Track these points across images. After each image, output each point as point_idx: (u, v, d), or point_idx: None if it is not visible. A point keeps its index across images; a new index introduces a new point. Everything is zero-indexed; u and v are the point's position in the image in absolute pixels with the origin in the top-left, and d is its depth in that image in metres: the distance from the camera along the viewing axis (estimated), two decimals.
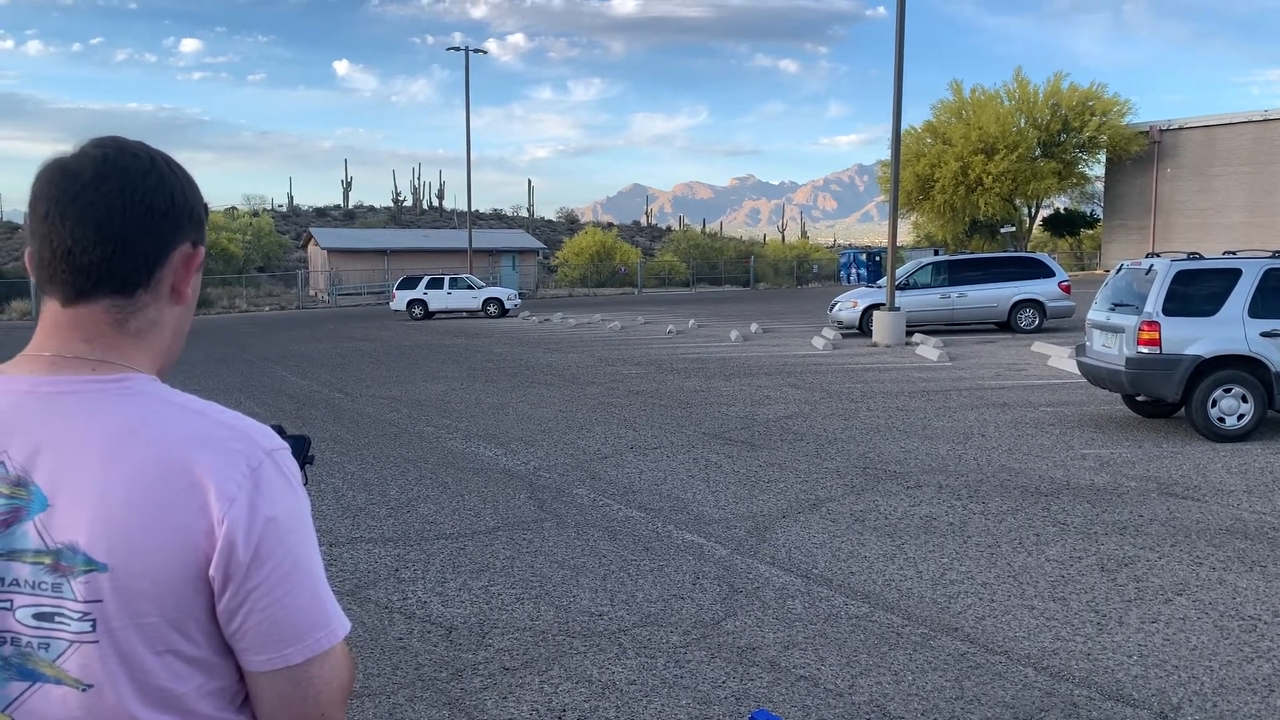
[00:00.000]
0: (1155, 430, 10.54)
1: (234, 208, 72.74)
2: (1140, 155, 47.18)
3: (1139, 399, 10.94)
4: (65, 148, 1.20)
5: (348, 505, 8.05)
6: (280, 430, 1.63)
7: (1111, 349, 10.48)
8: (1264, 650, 4.81)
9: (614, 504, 7.88)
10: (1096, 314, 10.98)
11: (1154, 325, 9.78)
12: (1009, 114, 49.42)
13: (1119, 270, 11.08)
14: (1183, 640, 4.96)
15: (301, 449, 1.59)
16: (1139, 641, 4.95)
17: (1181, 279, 9.89)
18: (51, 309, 1.20)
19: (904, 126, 23.74)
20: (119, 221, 1.16)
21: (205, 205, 1.29)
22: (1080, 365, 11.38)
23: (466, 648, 5.04)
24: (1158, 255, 10.51)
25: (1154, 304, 9.83)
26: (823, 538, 6.82)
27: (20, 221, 79.97)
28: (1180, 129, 46.37)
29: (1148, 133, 47.29)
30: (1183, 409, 10.27)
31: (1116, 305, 10.61)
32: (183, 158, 1.28)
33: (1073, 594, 5.64)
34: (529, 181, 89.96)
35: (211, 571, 1.13)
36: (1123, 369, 10.10)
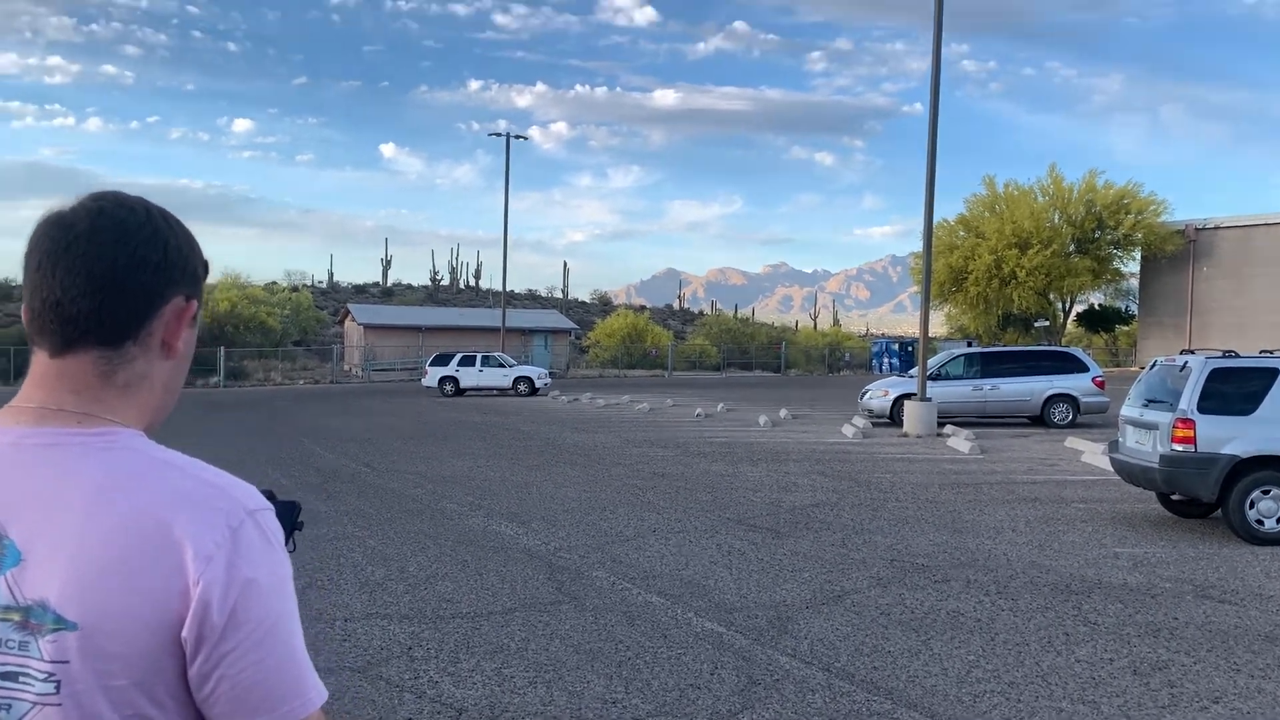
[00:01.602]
0: (1191, 530, 10.29)
1: (274, 282, 73.98)
2: (1176, 254, 47.06)
3: (1174, 498, 10.71)
4: (66, 201, 1.21)
5: (366, 580, 7.99)
6: (270, 496, 1.61)
7: (1145, 446, 10.30)
8: None
9: (633, 588, 7.76)
10: (1130, 410, 10.82)
11: (1189, 423, 9.62)
12: (1043, 209, 49.57)
13: (1153, 366, 10.95)
14: None
15: (290, 515, 1.57)
16: None
17: (1217, 376, 9.75)
18: (40, 360, 1.19)
19: (937, 219, 23.91)
20: (109, 272, 1.16)
21: (205, 263, 1.29)
22: (1113, 461, 11.19)
23: None
24: (1192, 352, 10.39)
25: (1189, 401, 9.68)
26: (846, 630, 6.66)
27: None
28: (1216, 228, 46.28)
29: (1183, 231, 47.22)
30: (1219, 509, 10.04)
31: (1150, 401, 10.46)
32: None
33: (1103, 697, 5.45)
34: (564, 263, 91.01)
35: (184, 633, 1.10)
36: (1157, 466, 9.91)
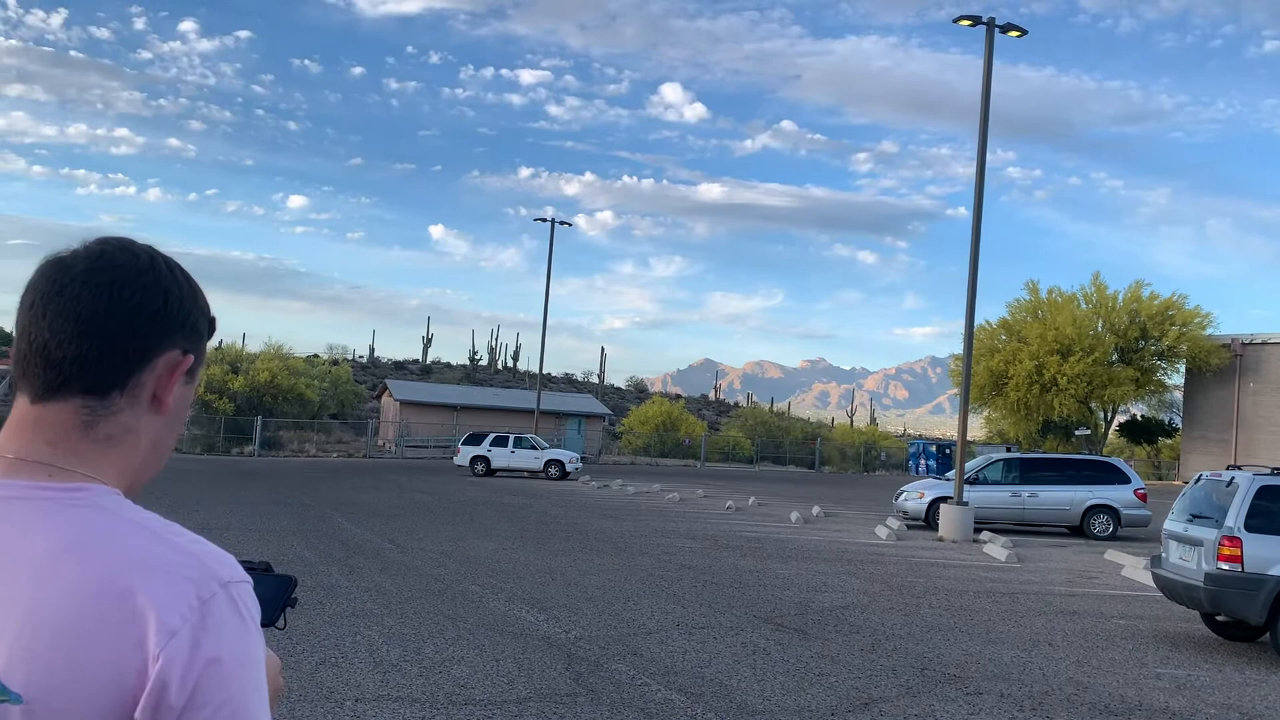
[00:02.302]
0: (1236, 654, 9.87)
1: (316, 355, 74.90)
2: (1221, 368, 46.40)
3: (1219, 618, 10.30)
4: (72, 244, 1.16)
5: (380, 660, 7.82)
6: (266, 569, 1.53)
7: (1189, 563, 9.96)
8: None
9: (653, 683, 7.53)
10: (1174, 524, 10.50)
11: (1235, 541, 9.30)
12: (1086, 317, 49.22)
13: (1198, 480, 10.66)
14: None
15: (283, 590, 1.48)
16: None
17: (1266, 494, 9.45)
18: (21, 406, 1.13)
19: (979, 322, 23.83)
20: (101, 318, 1.10)
21: (211, 319, 1.23)
22: (1156, 578, 10.82)
23: None
24: (1239, 468, 10.10)
25: (1235, 518, 9.38)
26: None
27: None
28: (1264, 344, 45.66)
29: (1229, 345, 46.62)
30: (1267, 633, 9.63)
31: (1195, 516, 10.15)
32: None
33: None
34: (602, 349, 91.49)
35: (137, 714, 1.01)
36: (1201, 585, 9.56)
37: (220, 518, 17.63)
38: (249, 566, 1.57)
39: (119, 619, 1.01)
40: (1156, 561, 10.88)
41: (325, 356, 77.35)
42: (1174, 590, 10.23)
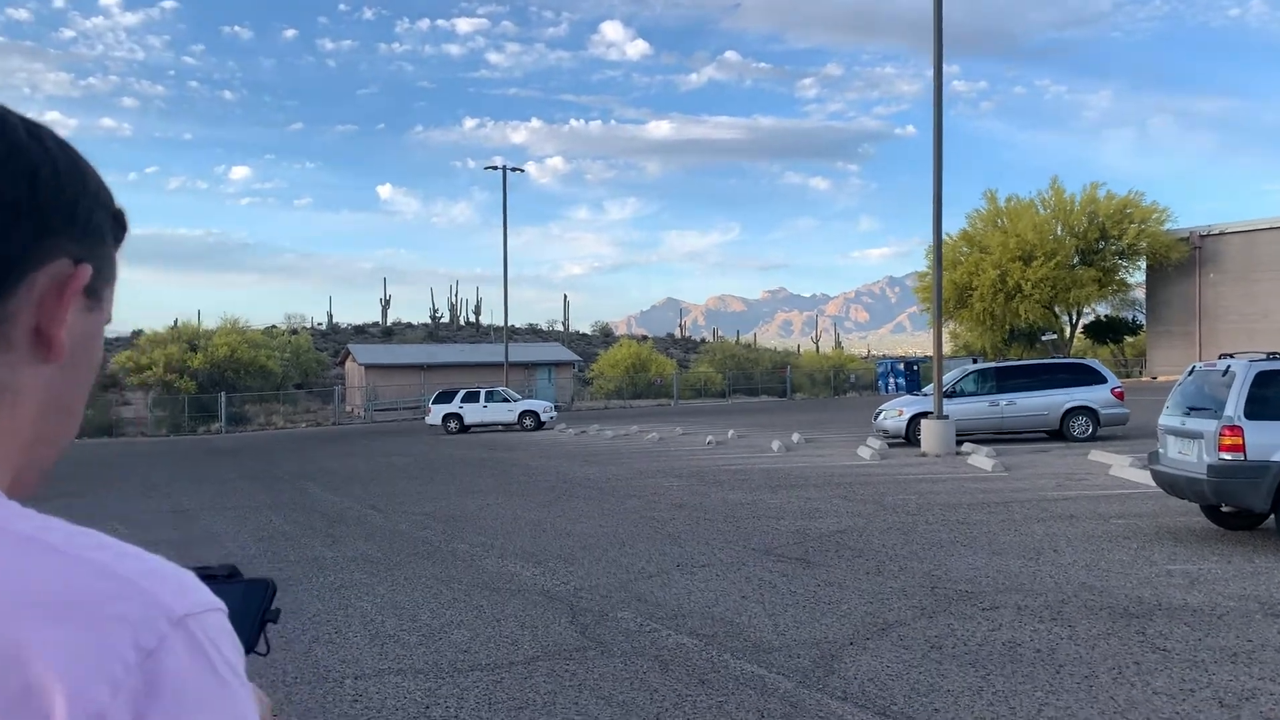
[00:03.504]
0: (1241, 543, 9.77)
1: (274, 326, 73.65)
2: (1181, 261, 46.70)
3: (1222, 509, 10.20)
4: None
5: (376, 632, 7.48)
6: (232, 574, 1.13)
7: (1189, 456, 9.82)
8: None
9: (663, 629, 7.25)
10: (1170, 419, 10.34)
11: (1236, 430, 9.14)
12: (1045, 222, 49.26)
13: (1190, 373, 10.49)
14: None
15: (258, 601, 1.09)
16: None
17: (1262, 380, 9.28)
18: None
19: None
20: None
21: (116, 212, 0.83)
22: (1155, 474, 10.69)
23: None
24: (1233, 356, 9.92)
25: (1235, 407, 9.21)
26: (898, 668, 6.15)
27: None
28: (1221, 234, 45.96)
29: (1188, 239, 46.90)
30: (1269, 519, 9.53)
31: (1192, 410, 9.98)
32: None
33: None
34: (564, 297, 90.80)
35: None
36: (1204, 477, 9.42)
37: (191, 498, 17.14)
38: (206, 574, 1.16)
39: (3, 699, 0.62)
40: (1154, 458, 10.75)
41: (284, 327, 76.13)
42: (1175, 485, 10.10)
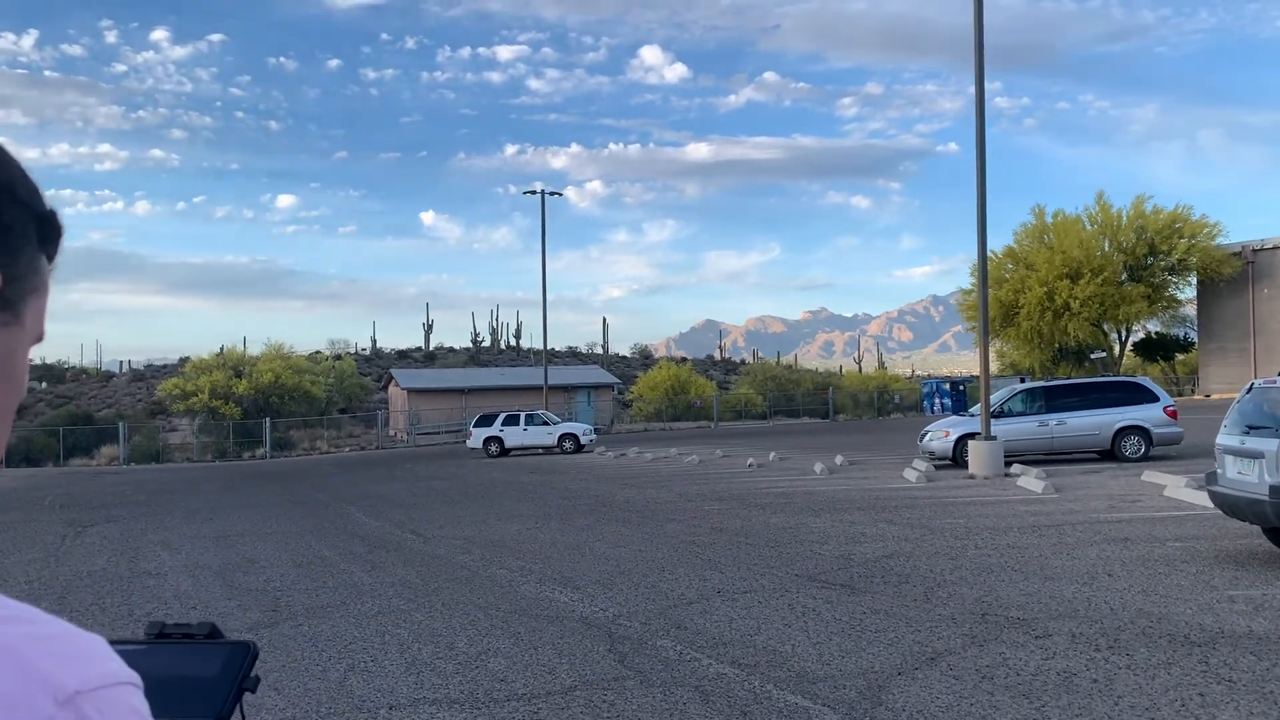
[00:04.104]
0: None
1: (318, 351, 74.45)
2: (1234, 277, 45.73)
3: None
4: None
5: (413, 660, 7.36)
6: (211, 634, 1.01)
7: (1249, 476, 9.46)
8: None
9: (703, 658, 7.06)
10: (1228, 439, 9.99)
11: None
12: (1092, 238, 48.50)
13: (1249, 390, 10.13)
14: None
15: (236, 666, 0.96)
16: None
17: None
18: None
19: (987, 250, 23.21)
20: None
21: (43, 214, 0.71)
22: (1213, 495, 10.32)
23: None
24: None
25: None
26: (948, 699, 5.91)
27: (116, 370, 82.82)
28: (1275, 248, 44.97)
29: (1240, 253, 45.93)
30: None
31: (1251, 428, 9.63)
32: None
33: None
34: (604, 319, 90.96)
35: None
36: (1266, 498, 9.06)
37: (235, 524, 17.20)
38: (185, 633, 1.04)
39: None
40: (1212, 479, 10.38)
41: (328, 352, 76.95)
42: (1235, 506, 9.74)
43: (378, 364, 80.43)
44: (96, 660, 0.60)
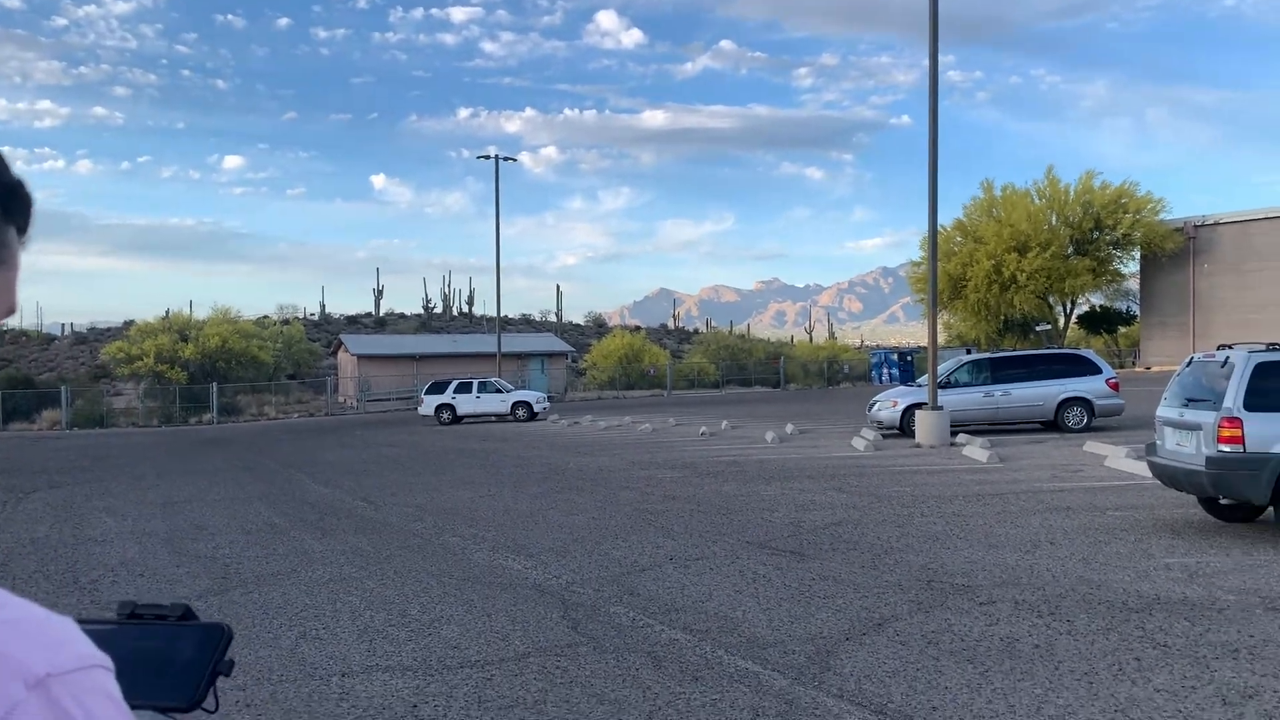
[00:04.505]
0: (1240, 536, 9.69)
1: (266, 316, 73.38)
2: (1175, 252, 46.66)
3: (1220, 501, 10.11)
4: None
5: (365, 627, 7.36)
6: (185, 615, 1.01)
7: (1188, 448, 9.72)
8: None
9: (656, 624, 7.14)
10: (1168, 410, 10.25)
11: (1235, 421, 9.05)
12: (1040, 212, 49.16)
13: (1188, 364, 10.39)
14: None
15: (210, 648, 0.97)
16: None
17: (1262, 372, 9.19)
18: None
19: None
20: None
21: (11, 182, 0.71)
22: (1152, 465, 10.60)
23: None
24: (1231, 347, 9.83)
25: (1234, 399, 9.11)
26: (894, 664, 6.05)
27: (58, 333, 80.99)
28: (1215, 225, 45.92)
29: (1182, 229, 46.84)
30: (1268, 511, 9.46)
31: (1190, 401, 9.89)
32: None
33: None
34: (557, 287, 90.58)
35: None
36: (1203, 469, 9.33)
37: (182, 490, 16.99)
38: (157, 614, 1.04)
39: None
40: (1151, 450, 10.65)
41: (276, 317, 75.88)
42: (1173, 477, 10.01)
43: (327, 329, 79.48)
44: (66, 643, 0.60)
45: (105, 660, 0.61)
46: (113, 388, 51.67)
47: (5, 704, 0.53)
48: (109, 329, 78.96)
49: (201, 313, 57.78)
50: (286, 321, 72.46)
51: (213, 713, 0.99)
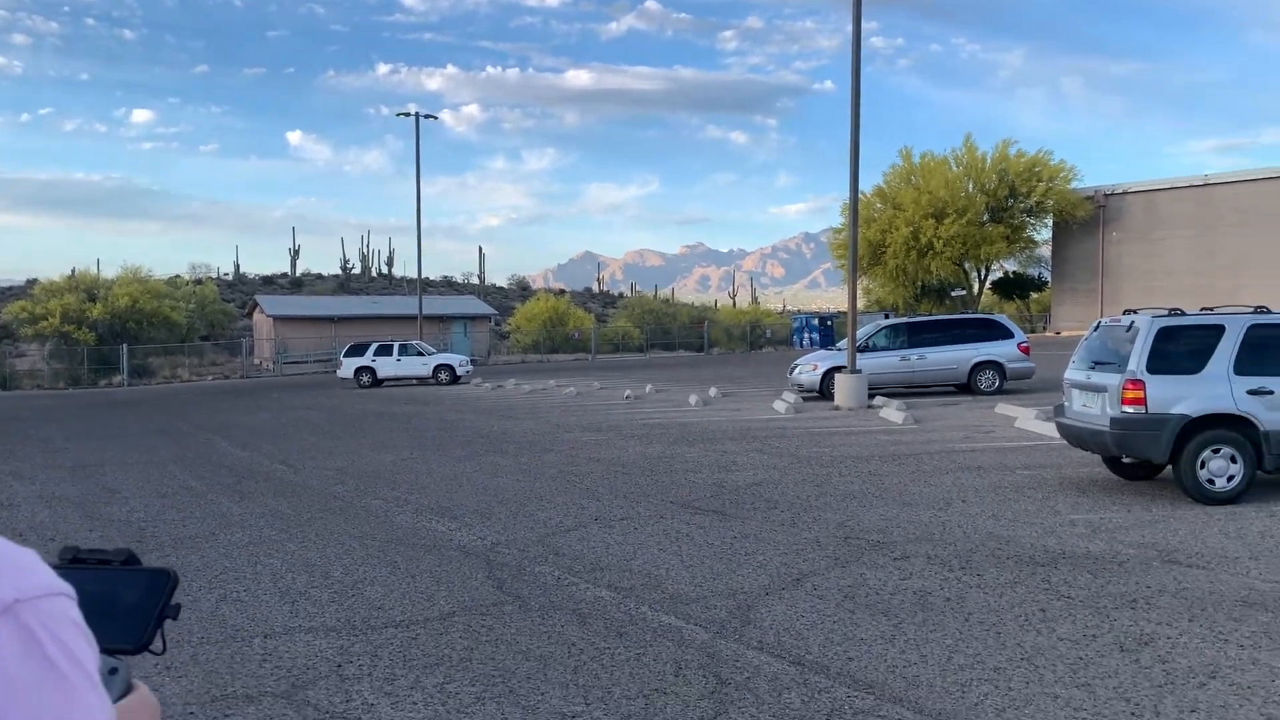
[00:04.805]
0: (1141, 493, 10.12)
1: (178, 276, 71.35)
2: (1086, 220, 47.98)
3: (1123, 460, 10.54)
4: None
5: (286, 589, 7.31)
6: (129, 560, 1.02)
7: (1094, 409, 10.09)
8: None
9: (581, 583, 7.22)
10: (1075, 373, 10.61)
11: (1139, 384, 9.41)
12: (958, 179, 50.08)
13: (1096, 328, 10.76)
14: None
15: (157, 592, 0.98)
16: None
17: (1164, 335, 9.56)
18: None
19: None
20: None
21: None
22: (1060, 426, 10.98)
23: None
24: (1136, 311, 10.20)
25: (1138, 362, 9.48)
26: (812, 617, 6.22)
27: None
28: (1124, 194, 47.28)
29: (1093, 198, 48.14)
30: (1167, 470, 9.89)
31: (1097, 364, 10.25)
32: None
33: (1096, 679, 5.09)
34: (480, 249, 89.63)
35: None
36: (1107, 429, 9.70)
37: (93, 454, 16.55)
38: (100, 559, 1.05)
39: None
40: (1059, 411, 11.03)
41: (188, 277, 73.85)
42: (1079, 437, 10.39)
43: (241, 290, 77.63)
44: (32, 572, 0.62)
45: (69, 589, 0.63)
46: (15, 349, 49.85)
47: None
48: (11, 288, 76.00)
49: (110, 271, 55.90)
50: (200, 281, 70.57)
51: (160, 655, 1.01)
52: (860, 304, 60.22)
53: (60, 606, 0.61)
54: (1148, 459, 9.78)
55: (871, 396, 20.57)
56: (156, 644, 0.99)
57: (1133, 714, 4.64)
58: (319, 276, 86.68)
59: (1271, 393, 9.29)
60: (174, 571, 1.03)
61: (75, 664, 0.60)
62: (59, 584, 0.63)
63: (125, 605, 0.98)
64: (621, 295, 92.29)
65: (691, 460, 13.37)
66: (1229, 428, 9.31)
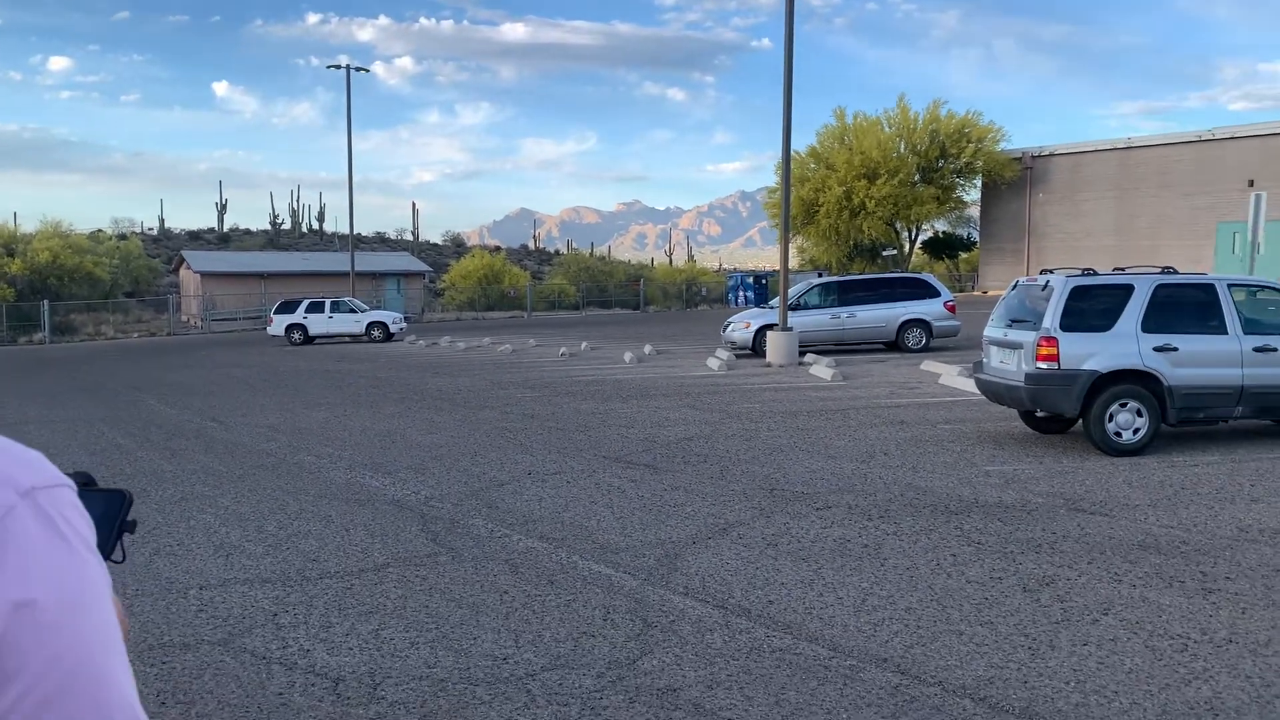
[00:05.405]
0: (1053, 446, 10.58)
1: (100, 230, 69.37)
2: (1014, 181, 48.90)
3: (1038, 414, 10.98)
4: None
5: (221, 543, 7.37)
6: (87, 483, 1.16)
7: (1010, 365, 10.49)
8: (1199, 671, 4.64)
9: (514, 534, 7.40)
10: (993, 330, 10.99)
11: (1052, 341, 9.81)
12: (890, 140, 50.63)
13: (1014, 287, 11.14)
14: (1117, 663, 4.76)
15: (114, 510, 1.12)
16: (1074, 666, 4.73)
17: (1077, 294, 9.95)
18: None
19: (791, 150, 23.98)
20: None
21: None
22: (978, 382, 11.38)
23: (356, 701, 4.52)
24: (1052, 271, 10.58)
25: (1052, 319, 9.87)
26: (736, 564, 6.48)
27: None
28: (1050, 155, 48.25)
29: (1020, 159, 49.05)
30: (1078, 424, 10.34)
31: (1014, 322, 10.63)
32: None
33: (999, 617, 5.42)
34: (414, 205, 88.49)
35: None
36: (1022, 385, 10.10)
37: (16, 411, 16.26)
38: None
39: None
40: (979, 367, 11.43)
41: (111, 231, 71.86)
42: (996, 392, 10.80)
43: (167, 245, 75.83)
44: (42, 466, 0.76)
45: (70, 482, 0.77)
46: None
47: (3, 506, 0.69)
48: None
49: (29, 225, 54.34)
50: (123, 236, 68.76)
51: (121, 563, 1.15)
52: (794, 263, 60.92)
53: (67, 495, 0.76)
54: (1060, 413, 10.21)
55: (803, 354, 20.95)
56: (118, 554, 1.14)
57: (1030, 648, 4.97)
58: (247, 232, 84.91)
59: (1176, 349, 9.75)
60: (129, 492, 1.17)
61: (82, 540, 0.75)
62: (63, 477, 0.77)
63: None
64: (558, 253, 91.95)
65: (625, 416, 13.58)
66: (1136, 383, 9.77)
